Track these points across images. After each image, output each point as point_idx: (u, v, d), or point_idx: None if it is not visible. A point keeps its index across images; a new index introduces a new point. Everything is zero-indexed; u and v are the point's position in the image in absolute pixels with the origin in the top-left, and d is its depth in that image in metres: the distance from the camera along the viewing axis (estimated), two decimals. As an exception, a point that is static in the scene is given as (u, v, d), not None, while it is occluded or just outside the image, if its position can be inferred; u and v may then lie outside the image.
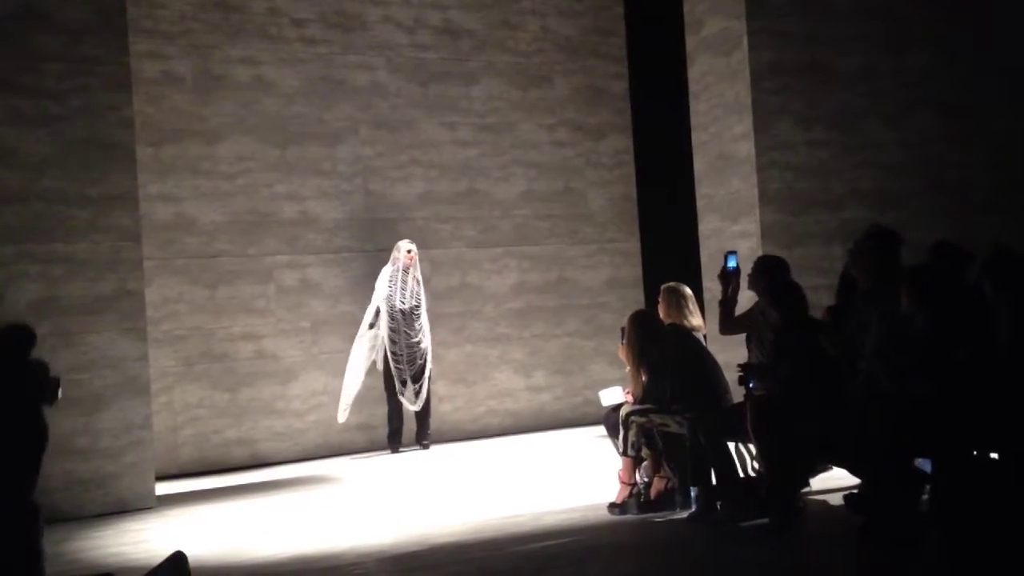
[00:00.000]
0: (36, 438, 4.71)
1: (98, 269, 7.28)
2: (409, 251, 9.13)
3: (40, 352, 6.92)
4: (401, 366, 8.99)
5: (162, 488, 7.78)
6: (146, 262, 8.08)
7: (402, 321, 9.02)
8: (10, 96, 7.11)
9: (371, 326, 9.09)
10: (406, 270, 9.10)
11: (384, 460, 8.91)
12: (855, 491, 5.17)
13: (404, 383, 8.99)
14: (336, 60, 9.69)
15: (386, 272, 9.14)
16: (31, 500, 4.68)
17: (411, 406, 9.06)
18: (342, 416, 9.06)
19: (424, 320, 9.17)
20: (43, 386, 4.70)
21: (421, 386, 9.06)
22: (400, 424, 9.15)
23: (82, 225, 7.25)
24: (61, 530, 6.56)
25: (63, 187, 7.21)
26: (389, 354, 9.00)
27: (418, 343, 9.08)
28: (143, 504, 7.24)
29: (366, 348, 9.10)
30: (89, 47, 7.33)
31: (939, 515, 4.55)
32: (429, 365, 9.17)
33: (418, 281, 9.17)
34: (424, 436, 9.21)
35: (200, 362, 9.03)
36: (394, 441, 9.14)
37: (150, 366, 7.75)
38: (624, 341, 6.10)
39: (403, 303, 9.05)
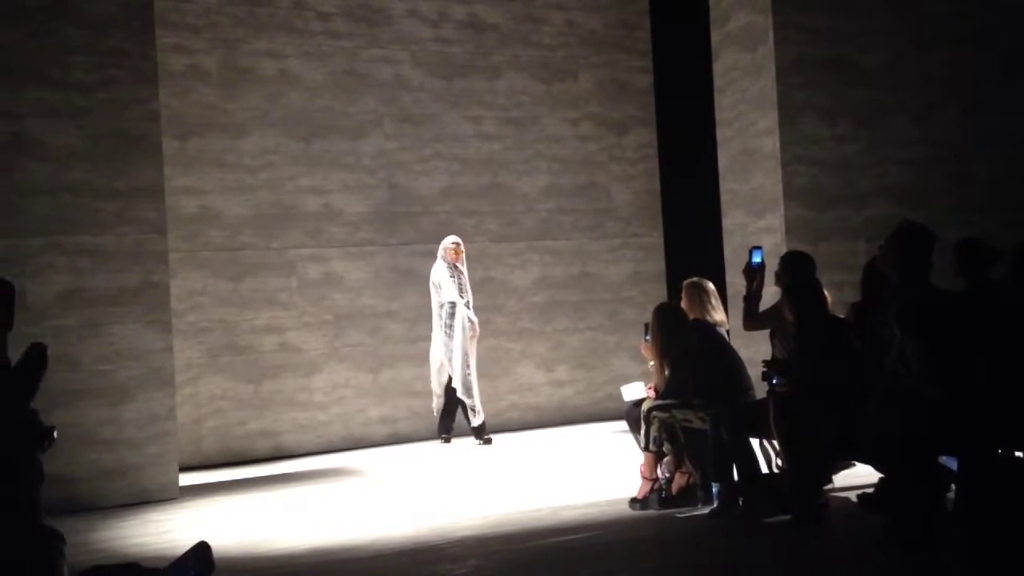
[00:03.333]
0: (34, 474, 4.63)
1: (124, 261, 7.33)
2: (455, 246, 9.01)
3: (67, 343, 7.07)
4: (470, 362, 8.95)
5: (186, 479, 7.83)
6: (171, 254, 8.12)
7: (467, 317, 8.95)
8: (38, 88, 7.16)
9: (449, 325, 8.95)
10: (455, 265, 9.01)
11: (405, 452, 8.94)
12: (870, 491, 5.16)
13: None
14: (361, 54, 9.71)
15: (442, 269, 8.99)
16: (44, 525, 4.60)
17: (469, 401, 8.99)
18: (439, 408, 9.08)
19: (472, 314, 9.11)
20: (40, 434, 4.64)
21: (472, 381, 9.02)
22: (454, 414, 9.10)
23: (109, 217, 7.30)
24: (85, 520, 6.61)
25: (90, 179, 7.26)
26: (457, 351, 8.89)
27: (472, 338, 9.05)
28: (167, 495, 7.29)
29: (441, 349, 8.99)
30: (116, 40, 7.37)
31: (965, 514, 4.52)
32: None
33: (464, 275, 9.12)
34: (450, 428, 9.16)
35: (224, 354, 9.09)
36: (445, 430, 9.10)
37: (175, 358, 7.80)
38: (648, 335, 6.09)
39: (462, 298, 8.96)
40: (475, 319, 9.00)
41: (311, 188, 9.44)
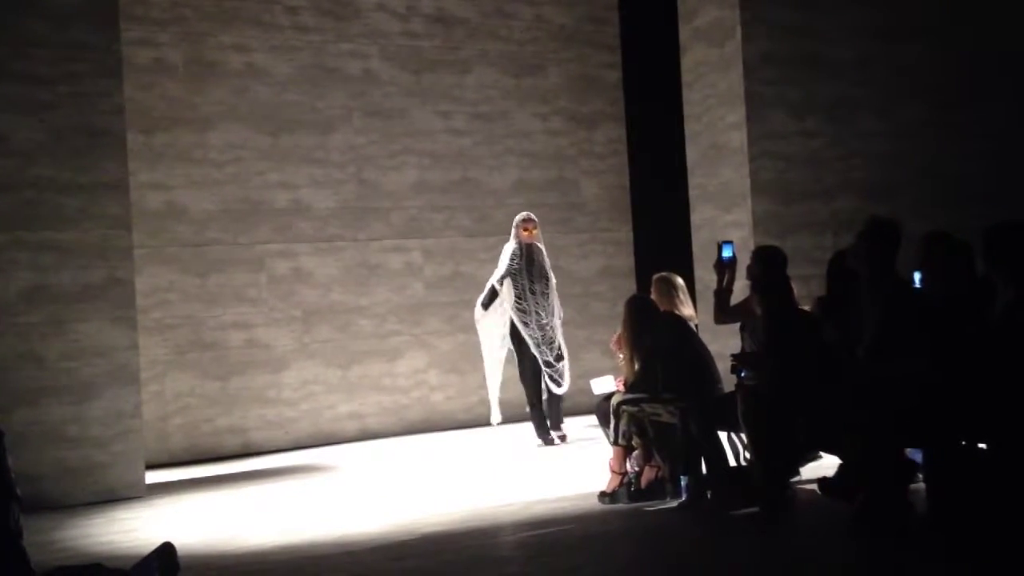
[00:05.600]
0: None
1: (88, 257, 7.25)
2: (525, 224, 8.36)
3: (30, 340, 7.01)
4: (541, 347, 8.27)
5: (152, 477, 7.77)
6: (137, 250, 8.05)
7: (532, 301, 8.31)
8: (0, 82, 7.06)
9: (485, 306, 8.35)
10: (528, 245, 8.37)
11: (375, 448, 8.91)
12: (828, 476, 5.20)
13: (548, 364, 8.27)
14: (329, 48, 9.65)
15: (509, 249, 8.39)
16: None
17: (557, 389, 8.31)
18: (496, 417, 8.50)
19: (554, 298, 8.45)
20: None
21: (563, 368, 8.33)
22: (542, 410, 8.39)
23: (72, 213, 7.22)
24: (50, 519, 6.54)
25: (54, 175, 7.18)
26: (526, 337, 8.28)
27: (548, 324, 8.35)
28: (133, 493, 7.23)
29: (497, 334, 8.34)
30: (80, 33, 7.29)
31: (933, 505, 4.55)
32: (564, 346, 8.45)
33: (543, 258, 8.44)
34: (558, 425, 8.41)
35: (191, 351, 9.01)
36: (543, 430, 8.36)
37: (140, 355, 7.73)
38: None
39: (532, 281, 8.31)
40: (530, 308, 8.18)
41: (279, 183, 9.38)
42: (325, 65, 9.62)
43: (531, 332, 8.30)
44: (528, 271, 8.32)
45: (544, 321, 8.34)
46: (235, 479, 7.85)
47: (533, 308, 8.30)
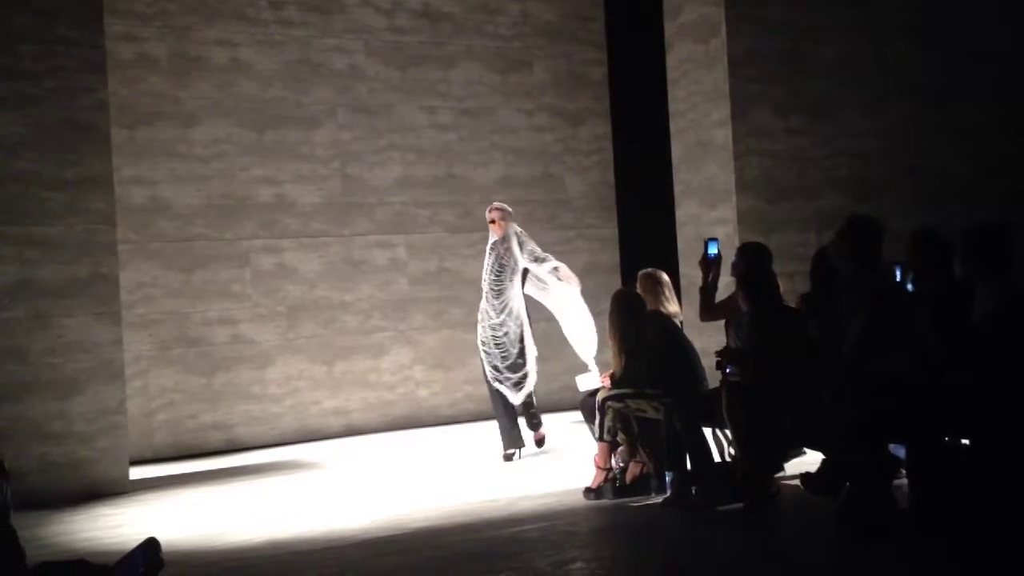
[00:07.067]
0: None
1: (73, 252, 7.22)
2: (489, 213, 7.67)
3: (15, 335, 6.97)
4: (488, 350, 7.54)
5: (137, 473, 7.75)
6: (121, 246, 8.02)
7: (484, 302, 7.61)
8: (-17, 77, 7.04)
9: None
10: (494, 241, 7.61)
11: (360, 444, 8.91)
12: (811, 472, 5.23)
13: (497, 369, 7.51)
14: (314, 43, 9.63)
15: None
16: None
17: (511, 398, 7.53)
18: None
19: (509, 298, 7.53)
20: None
21: (523, 377, 7.55)
22: (509, 424, 7.54)
23: (57, 208, 7.19)
24: (34, 515, 6.52)
25: (38, 169, 7.15)
26: (479, 340, 7.66)
27: (500, 325, 7.53)
28: (117, 489, 7.21)
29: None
30: (65, 29, 7.25)
31: (916, 501, 4.58)
32: (530, 353, 7.59)
33: (509, 252, 7.55)
34: (534, 424, 7.74)
35: (175, 346, 8.99)
36: (511, 444, 7.53)
37: (125, 350, 7.70)
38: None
39: (483, 281, 7.64)
40: (484, 308, 7.55)
41: (264, 178, 9.36)
42: (310, 60, 9.60)
43: (480, 332, 7.61)
44: (485, 269, 7.64)
45: (495, 321, 7.51)
46: (219, 475, 7.84)
47: (486, 307, 7.58)
